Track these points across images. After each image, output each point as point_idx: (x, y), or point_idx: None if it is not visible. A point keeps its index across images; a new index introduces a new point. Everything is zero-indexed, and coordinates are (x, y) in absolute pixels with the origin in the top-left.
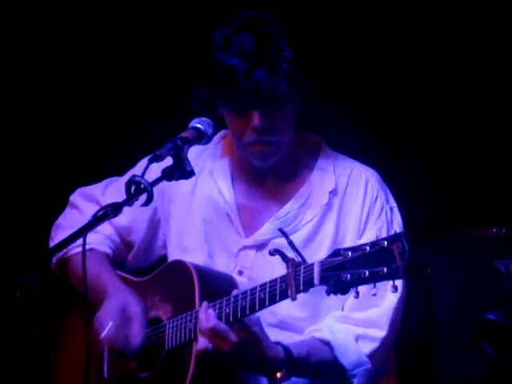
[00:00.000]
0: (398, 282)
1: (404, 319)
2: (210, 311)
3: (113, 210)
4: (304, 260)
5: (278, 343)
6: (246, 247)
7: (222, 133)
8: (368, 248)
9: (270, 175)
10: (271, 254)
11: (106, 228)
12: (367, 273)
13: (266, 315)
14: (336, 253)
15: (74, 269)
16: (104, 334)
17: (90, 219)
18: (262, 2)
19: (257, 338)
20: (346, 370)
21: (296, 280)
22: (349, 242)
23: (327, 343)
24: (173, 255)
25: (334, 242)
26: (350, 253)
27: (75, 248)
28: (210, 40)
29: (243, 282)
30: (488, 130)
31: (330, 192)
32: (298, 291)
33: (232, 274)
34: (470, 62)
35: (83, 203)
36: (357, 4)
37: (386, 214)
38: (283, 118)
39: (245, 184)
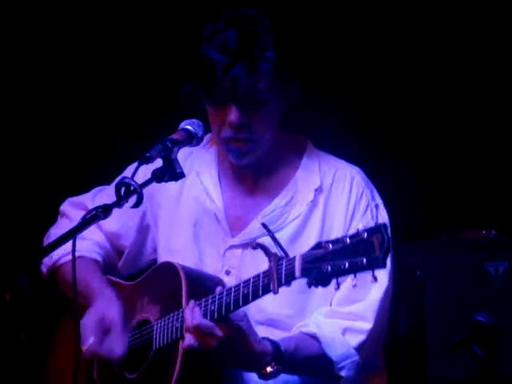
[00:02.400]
0: (381, 274)
1: (394, 321)
2: (196, 309)
3: (103, 211)
4: (286, 254)
5: (265, 338)
6: (232, 247)
7: (210, 135)
8: (348, 240)
9: (256, 174)
10: (254, 248)
11: (95, 234)
12: (347, 264)
13: (254, 313)
14: (317, 245)
15: (65, 276)
16: (86, 348)
17: (79, 221)
18: (252, 2)
19: (243, 332)
20: (334, 363)
21: (278, 273)
22: None
23: (314, 337)
24: (162, 258)
25: (320, 239)
26: (330, 245)
27: (65, 256)
28: (200, 33)
29: (231, 282)
30: (478, 133)
31: (316, 189)
32: (280, 285)
33: (220, 274)
34: (460, 64)
35: (73, 211)
36: (346, 5)
37: (372, 210)
38: (262, 118)
39: (232, 183)
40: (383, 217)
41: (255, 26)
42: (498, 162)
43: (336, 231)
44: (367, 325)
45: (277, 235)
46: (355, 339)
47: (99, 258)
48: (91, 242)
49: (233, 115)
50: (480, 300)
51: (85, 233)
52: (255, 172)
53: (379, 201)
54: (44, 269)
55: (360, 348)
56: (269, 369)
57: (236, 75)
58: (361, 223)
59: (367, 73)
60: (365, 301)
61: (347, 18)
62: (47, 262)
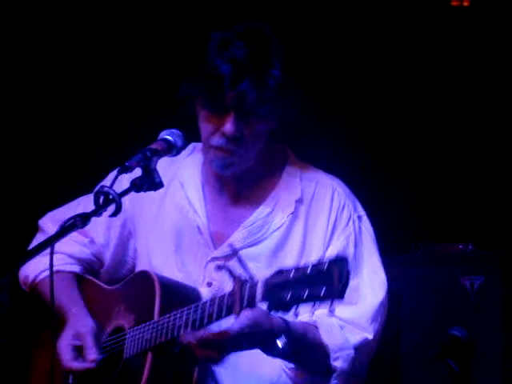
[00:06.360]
0: (377, 287)
1: None
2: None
3: (81, 220)
4: (251, 277)
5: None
6: (214, 259)
7: (193, 144)
8: (309, 269)
9: (239, 184)
10: (219, 268)
11: (69, 246)
12: (306, 293)
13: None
14: (279, 272)
15: (44, 293)
16: (63, 365)
17: (57, 229)
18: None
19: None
20: (331, 351)
21: (241, 297)
22: (316, 250)
23: (314, 325)
24: (141, 266)
25: (302, 251)
26: (292, 273)
27: (42, 274)
28: (207, 39)
29: (211, 294)
30: (455, 147)
31: (297, 201)
32: (241, 308)
33: (201, 285)
34: (440, 82)
35: (51, 227)
36: (348, 25)
37: (354, 222)
38: (256, 133)
39: (215, 193)
40: (367, 227)
41: (265, 42)
42: (477, 177)
43: (318, 243)
44: (365, 334)
45: (258, 247)
46: (353, 338)
47: (76, 269)
48: (64, 256)
49: (230, 126)
50: (455, 314)
51: (56, 247)
52: (238, 182)
53: (362, 212)
54: (24, 287)
55: (357, 348)
56: (280, 342)
57: (244, 90)
58: (343, 235)
59: (361, 89)
60: (360, 306)
61: (353, 37)
62: (26, 280)
